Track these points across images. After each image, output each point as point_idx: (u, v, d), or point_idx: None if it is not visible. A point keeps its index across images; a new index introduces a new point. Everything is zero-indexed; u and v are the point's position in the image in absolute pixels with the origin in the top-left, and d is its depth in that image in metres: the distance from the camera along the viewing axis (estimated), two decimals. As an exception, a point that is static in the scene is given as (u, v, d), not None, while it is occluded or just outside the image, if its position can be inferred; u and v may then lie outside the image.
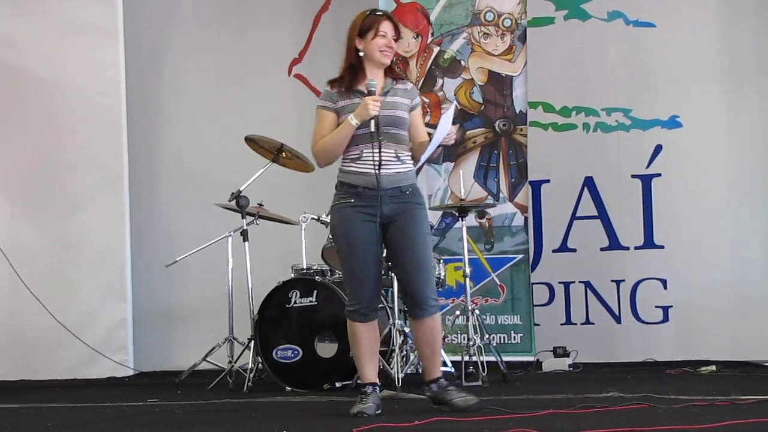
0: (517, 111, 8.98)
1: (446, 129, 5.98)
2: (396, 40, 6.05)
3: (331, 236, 6.17)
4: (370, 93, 5.90)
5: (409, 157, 6.07)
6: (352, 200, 5.97)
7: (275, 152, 8.18)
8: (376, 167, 5.88)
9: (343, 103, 6.02)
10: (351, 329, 6.04)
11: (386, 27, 6.01)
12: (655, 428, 4.87)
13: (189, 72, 10.31)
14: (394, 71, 6.19)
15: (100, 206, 9.63)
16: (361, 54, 6.06)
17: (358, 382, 6.10)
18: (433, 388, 5.99)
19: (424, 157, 6.15)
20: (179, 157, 10.26)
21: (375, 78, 5.99)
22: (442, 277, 7.96)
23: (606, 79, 9.24)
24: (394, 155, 5.98)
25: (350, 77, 6.05)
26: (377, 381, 6.07)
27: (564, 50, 9.30)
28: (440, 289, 8.23)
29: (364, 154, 5.94)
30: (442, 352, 7.79)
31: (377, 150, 5.88)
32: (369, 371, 6.04)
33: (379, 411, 5.86)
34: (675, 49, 9.09)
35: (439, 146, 6.12)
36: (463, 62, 9.15)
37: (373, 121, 5.85)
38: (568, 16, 9.31)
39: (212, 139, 10.10)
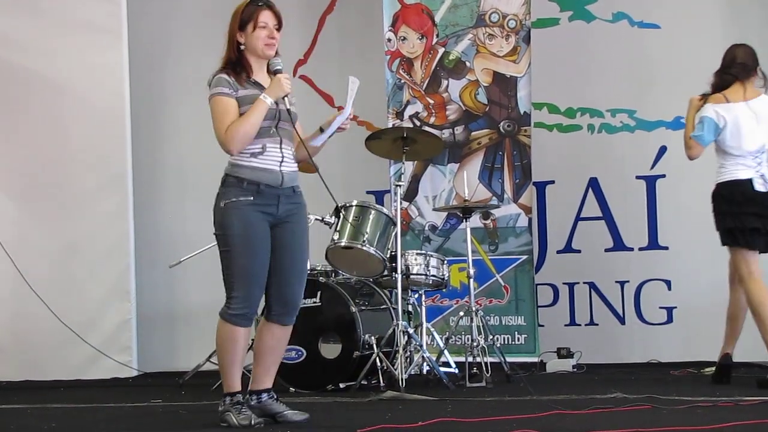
0: (522, 112, 8.97)
1: (350, 108, 5.80)
2: (278, 29, 5.74)
3: (218, 234, 5.73)
4: (277, 72, 5.69)
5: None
6: (251, 198, 5.65)
7: (279, 153, 8.17)
8: (279, 164, 5.68)
9: (244, 92, 5.71)
10: (229, 334, 5.67)
11: (266, 17, 5.72)
12: (659, 429, 4.87)
13: (193, 72, 10.26)
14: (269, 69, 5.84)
15: (104, 207, 9.64)
16: (242, 48, 5.79)
17: (228, 393, 5.67)
18: (262, 398, 5.73)
19: (319, 141, 5.88)
20: (183, 157, 10.27)
21: (258, 69, 5.77)
22: (446, 278, 7.96)
23: (610, 81, 9.26)
24: (291, 153, 5.77)
25: (236, 71, 5.76)
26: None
27: (569, 51, 9.31)
28: (444, 290, 8.25)
29: (268, 149, 5.68)
30: (446, 353, 7.84)
31: (278, 146, 5.69)
32: (238, 380, 5.71)
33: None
34: (679, 50, 9.11)
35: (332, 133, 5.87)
36: (467, 63, 9.15)
37: (287, 99, 5.66)
38: (573, 17, 9.33)
39: (216, 140, 10.07)
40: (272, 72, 5.72)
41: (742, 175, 7.15)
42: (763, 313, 7.14)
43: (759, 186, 7.13)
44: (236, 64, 5.78)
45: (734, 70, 7.32)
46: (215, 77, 5.79)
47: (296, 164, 5.81)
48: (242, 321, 5.67)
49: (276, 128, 5.69)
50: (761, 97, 7.31)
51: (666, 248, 9.07)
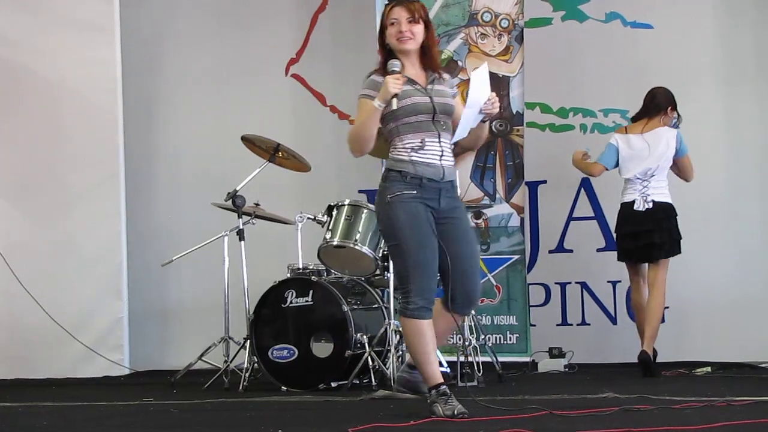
0: (514, 112, 8.97)
1: (480, 92, 5.61)
2: (412, 21, 5.70)
3: (384, 229, 5.75)
4: (392, 73, 5.62)
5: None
6: (415, 191, 5.65)
7: (272, 152, 8.17)
8: (438, 158, 5.68)
9: None
10: (415, 329, 5.64)
11: (396, 13, 5.71)
12: (650, 429, 4.87)
13: (186, 71, 10.31)
14: (433, 62, 5.83)
15: (97, 204, 9.62)
16: (388, 48, 5.80)
17: (431, 387, 5.63)
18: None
19: (461, 132, 5.71)
20: (176, 156, 10.26)
21: (409, 66, 5.74)
22: (438, 277, 7.94)
23: (603, 80, 9.26)
24: (450, 147, 5.74)
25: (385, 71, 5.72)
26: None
27: (561, 51, 9.32)
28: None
29: (427, 143, 5.67)
30: (438, 353, 7.82)
31: (437, 140, 5.68)
32: (436, 372, 5.69)
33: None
34: (672, 50, 9.12)
35: (482, 115, 5.69)
36: (460, 63, 9.15)
37: (394, 100, 5.57)
38: (566, 17, 9.33)
39: (209, 139, 10.10)
40: (388, 73, 5.66)
41: (629, 197, 8.30)
42: (640, 315, 8.35)
43: (638, 206, 8.23)
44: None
45: (646, 108, 8.37)
46: (366, 78, 5.82)
47: (454, 158, 5.80)
48: (424, 313, 5.66)
49: (433, 122, 5.67)
50: (657, 129, 8.29)
51: (658, 248, 9.07)
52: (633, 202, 8.23)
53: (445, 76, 5.88)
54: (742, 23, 9.06)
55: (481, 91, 5.63)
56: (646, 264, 8.34)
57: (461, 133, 5.70)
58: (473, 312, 7.77)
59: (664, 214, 8.19)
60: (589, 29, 9.29)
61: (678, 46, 9.14)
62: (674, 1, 9.21)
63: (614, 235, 8.51)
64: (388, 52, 5.80)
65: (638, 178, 8.22)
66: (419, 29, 5.73)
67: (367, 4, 9.47)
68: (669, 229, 8.20)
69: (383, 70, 5.71)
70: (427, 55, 5.82)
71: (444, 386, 5.64)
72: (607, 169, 8.34)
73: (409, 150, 5.68)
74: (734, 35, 9.07)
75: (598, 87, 9.28)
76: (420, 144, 5.68)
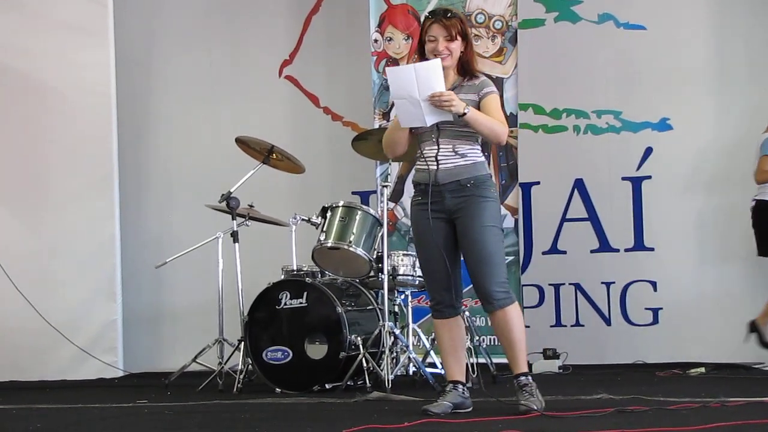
0: (508, 113, 8.97)
1: (409, 85, 5.69)
2: (450, 40, 5.85)
3: None
4: None
5: (473, 150, 5.93)
6: (420, 197, 5.97)
7: (266, 154, 8.17)
8: (434, 163, 5.87)
9: None
10: (434, 325, 6.10)
11: (434, 31, 5.87)
12: (644, 430, 4.87)
13: (179, 73, 10.31)
14: (469, 70, 5.96)
15: (90, 207, 9.63)
16: (425, 58, 5.91)
17: (448, 381, 5.98)
18: (515, 383, 5.90)
19: (402, 121, 5.84)
20: (169, 158, 10.26)
21: (446, 78, 5.81)
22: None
23: (596, 82, 9.27)
24: (451, 150, 5.88)
25: None
26: (460, 379, 5.97)
27: (555, 52, 9.32)
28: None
29: (424, 151, 5.92)
30: (432, 354, 7.82)
31: (435, 146, 5.87)
32: (449, 369, 6.01)
33: (453, 410, 5.80)
34: (665, 51, 9.13)
35: (443, 110, 5.73)
36: (453, 64, 9.13)
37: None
38: (559, 18, 9.33)
39: (202, 140, 10.10)
40: None
41: None
42: None
43: None
44: None
45: None
46: None
47: (464, 159, 5.91)
48: (436, 313, 6.04)
49: (438, 128, 5.85)
50: None
51: (652, 249, 9.08)
52: None
53: (476, 81, 5.95)
54: (734, 25, 9.07)
55: (409, 85, 5.70)
56: None
57: (402, 121, 5.85)
58: (467, 313, 7.78)
59: None
60: (582, 30, 9.30)
61: (671, 48, 9.15)
62: (667, 3, 9.21)
63: (755, 231, 8.49)
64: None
65: None
66: (456, 45, 5.91)
67: (361, 5, 9.49)
68: None
69: None
70: (464, 66, 5.98)
71: (450, 384, 5.94)
72: None
73: (417, 159, 6.04)
74: (727, 37, 9.07)
75: (591, 88, 9.28)
76: (420, 152, 5.98)
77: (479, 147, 5.98)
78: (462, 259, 5.98)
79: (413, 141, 6.01)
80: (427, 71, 5.71)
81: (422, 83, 5.69)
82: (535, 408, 5.65)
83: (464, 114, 5.74)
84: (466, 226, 5.88)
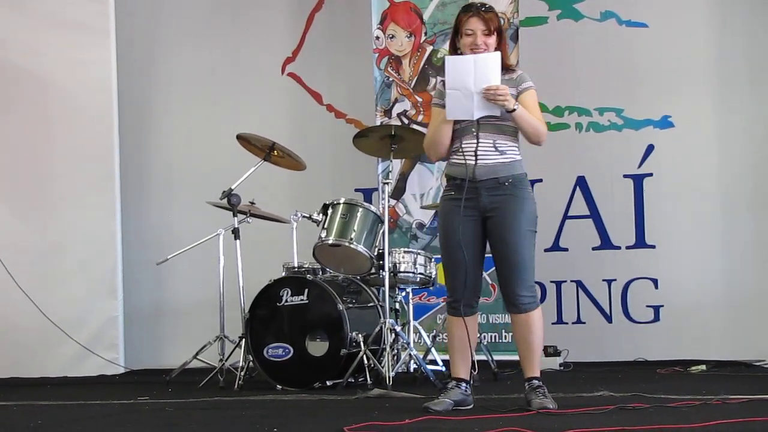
0: (510, 110, 8.95)
1: (466, 76, 5.67)
2: (488, 34, 5.79)
3: None
4: None
5: (512, 148, 5.86)
6: (453, 192, 5.87)
7: (267, 150, 8.16)
8: (472, 158, 5.78)
9: None
10: (447, 322, 6.02)
11: (472, 24, 5.80)
12: (645, 428, 4.87)
13: (181, 70, 10.31)
14: (505, 62, 5.83)
15: (92, 204, 9.63)
16: (459, 52, 5.88)
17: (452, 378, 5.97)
18: (525, 386, 5.85)
19: (449, 113, 5.77)
20: (171, 154, 10.27)
21: None
22: (433, 276, 7.96)
23: (598, 79, 9.27)
24: (491, 145, 5.80)
25: None
26: (464, 377, 5.92)
27: (557, 50, 9.33)
28: (431, 288, 8.25)
29: (463, 146, 5.81)
30: (433, 351, 7.82)
31: (474, 141, 5.79)
32: (455, 366, 5.95)
33: (454, 407, 5.78)
34: (667, 49, 9.13)
35: (497, 105, 5.68)
36: (455, 61, 9.13)
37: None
38: (561, 15, 9.34)
39: (204, 137, 10.10)
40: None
41: None
42: None
43: None
44: None
45: None
46: (437, 89, 6.07)
47: (503, 156, 5.84)
48: (451, 310, 5.97)
49: (478, 123, 5.77)
50: None
51: (653, 247, 9.08)
52: None
53: (514, 75, 5.88)
54: (735, 23, 9.07)
55: (466, 77, 5.67)
56: None
57: (449, 113, 5.78)
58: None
59: None
60: (584, 28, 9.30)
61: (672, 46, 9.15)
62: (669, 1, 9.22)
63: None
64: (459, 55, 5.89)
65: None
66: (492, 40, 5.84)
67: (363, 3, 9.48)
68: None
69: None
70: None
71: (453, 382, 5.90)
72: None
73: (452, 153, 5.93)
74: (728, 35, 9.08)
75: (593, 86, 9.28)
76: (458, 146, 5.86)
77: (518, 145, 5.92)
78: (488, 256, 5.92)
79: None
80: (486, 64, 5.68)
81: (479, 75, 5.65)
82: (551, 407, 5.63)
83: (513, 110, 5.71)
84: (501, 227, 5.81)
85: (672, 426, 4.90)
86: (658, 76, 9.09)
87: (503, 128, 5.83)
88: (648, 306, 9.06)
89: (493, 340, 8.77)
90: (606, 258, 9.13)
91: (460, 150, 5.83)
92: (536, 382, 5.83)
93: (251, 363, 7.78)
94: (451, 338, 5.99)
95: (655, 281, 9.04)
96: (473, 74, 5.66)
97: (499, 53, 5.71)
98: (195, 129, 10.19)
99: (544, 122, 5.90)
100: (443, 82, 5.87)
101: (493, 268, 5.99)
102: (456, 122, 5.83)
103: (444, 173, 6.02)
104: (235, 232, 8.08)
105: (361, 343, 7.45)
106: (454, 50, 5.93)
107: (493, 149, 5.82)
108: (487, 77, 5.65)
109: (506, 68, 5.86)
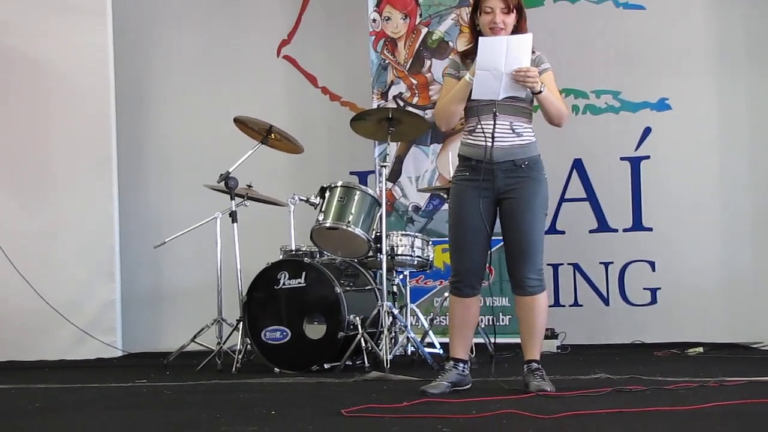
0: (506, 93, 8.95)
1: (498, 57, 5.60)
2: (508, 12, 5.73)
3: None
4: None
5: (528, 130, 5.86)
6: (467, 173, 5.83)
7: (264, 134, 8.16)
8: (489, 139, 5.74)
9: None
10: (449, 301, 5.99)
11: (492, 2, 5.74)
12: (642, 410, 4.88)
13: (178, 53, 10.30)
14: None
15: (89, 187, 9.62)
16: (478, 29, 5.84)
17: (450, 357, 5.98)
18: (524, 369, 5.88)
19: (475, 93, 5.67)
20: (168, 138, 10.26)
21: None
22: (430, 259, 7.97)
23: (595, 62, 9.26)
24: (509, 127, 5.79)
25: (474, 52, 5.74)
26: (462, 357, 5.93)
27: (553, 32, 9.28)
28: (428, 271, 8.27)
29: (482, 125, 5.76)
30: (431, 333, 7.83)
31: (491, 122, 5.75)
32: (454, 346, 5.94)
33: (452, 389, 5.81)
34: (664, 31, 9.12)
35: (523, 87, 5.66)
36: (451, 43, 9.14)
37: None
38: (558, -3, 9.32)
39: (201, 121, 10.09)
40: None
41: None
42: None
43: None
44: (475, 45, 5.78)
45: None
46: (451, 59, 6.05)
47: (520, 138, 5.83)
48: (454, 290, 5.94)
49: (496, 104, 5.73)
50: None
51: (650, 229, 9.08)
52: None
53: (533, 56, 5.80)
54: (733, 4, 9.06)
55: (498, 58, 5.61)
56: None
57: (476, 93, 5.70)
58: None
59: None
60: (581, 10, 9.29)
61: (670, 28, 9.14)
62: (666, -18, 9.20)
63: None
64: (478, 32, 5.85)
65: None
66: (511, 19, 5.79)
67: (358, -15, 9.47)
68: None
69: (473, 57, 5.73)
70: None
71: (451, 362, 5.92)
72: None
73: (467, 133, 5.89)
74: (726, 17, 9.06)
75: (590, 68, 9.27)
76: (474, 126, 5.82)
77: (532, 126, 5.91)
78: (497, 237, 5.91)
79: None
80: (519, 45, 5.64)
81: (511, 57, 5.61)
82: (549, 390, 5.65)
83: (540, 92, 5.70)
84: (516, 210, 5.82)
85: (669, 408, 4.92)
86: (656, 58, 9.08)
87: (520, 108, 5.82)
88: (645, 288, 9.07)
89: (490, 323, 8.77)
90: (603, 241, 9.13)
91: (477, 130, 5.80)
92: (535, 364, 5.85)
93: (249, 346, 7.78)
94: (452, 318, 5.98)
95: (652, 264, 9.04)
96: (505, 56, 5.63)
97: (530, 35, 5.68)
98: (192, 112, 10.18)
99: (564, 103, 5.89)
100: (457, 52, 5.86)
101: (492, 250, 5.99)
102: (472, 99, 5.77)
103: (459, 154, 5.92)
104: (233, 216, 8.07)
105: (359, 326, 7.45)
106: (474, 27, 5.90)
107: (510, 131, 5.81)
108: (518, 59, 5.63)
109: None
